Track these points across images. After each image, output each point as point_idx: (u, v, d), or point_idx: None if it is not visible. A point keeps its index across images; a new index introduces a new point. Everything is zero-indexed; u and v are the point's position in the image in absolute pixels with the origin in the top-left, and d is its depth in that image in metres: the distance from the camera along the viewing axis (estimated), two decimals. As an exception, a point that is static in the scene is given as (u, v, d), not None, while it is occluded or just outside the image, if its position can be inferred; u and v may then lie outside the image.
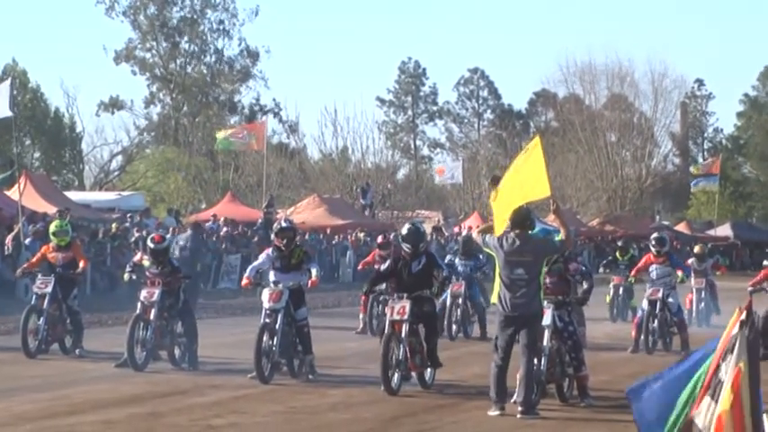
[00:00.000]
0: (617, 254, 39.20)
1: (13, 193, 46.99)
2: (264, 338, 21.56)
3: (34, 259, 27.23)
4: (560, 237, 19.58)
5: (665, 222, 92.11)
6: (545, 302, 19.53)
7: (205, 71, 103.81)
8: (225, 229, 53.96)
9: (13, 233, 41.72)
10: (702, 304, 35.21)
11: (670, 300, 28.46)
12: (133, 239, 37.19)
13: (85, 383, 21.63)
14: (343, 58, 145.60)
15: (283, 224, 23.37)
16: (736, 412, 10.24)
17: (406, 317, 20.44)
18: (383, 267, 22.57)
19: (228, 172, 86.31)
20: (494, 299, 19.29)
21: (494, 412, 18.12)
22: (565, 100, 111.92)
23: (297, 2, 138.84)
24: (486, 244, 19.06)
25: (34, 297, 25.93)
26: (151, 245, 24.74)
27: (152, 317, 23.27)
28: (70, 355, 25.68)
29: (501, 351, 18.29)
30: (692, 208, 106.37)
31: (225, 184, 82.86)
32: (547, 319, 19.39)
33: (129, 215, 50.38)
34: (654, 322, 28.23)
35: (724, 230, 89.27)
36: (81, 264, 26.64)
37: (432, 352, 20.92)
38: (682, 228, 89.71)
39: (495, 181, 19.54)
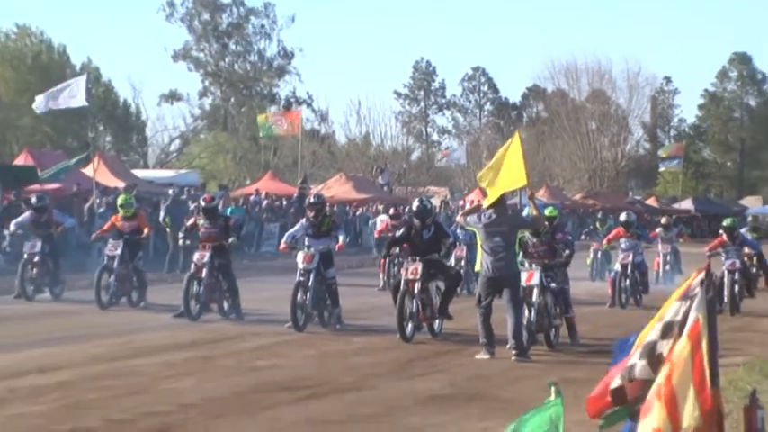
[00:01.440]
0: (596, 224, 39.62)
1: (88, 171, 47.02)
2: (299, 294, 21.80)
3: (105, 227, 27.32)
4: (533, 213, 20.60)
5: (637, 197, 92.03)
6: (533, 266, 20.12)
7: (249, 68, 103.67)
8: (266, 201, 53.89)
9: (88, 204, 41.76)
10: (668, 266, 35.42)
11: (639, 261, 29.01)
12: (190, 209, 37.10)
13: (148, 331, 21.69)
14: (366, 57, 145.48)
15: (313, 199, 23.76)
16: (697, 362, 10.23)
17: (418, 276, 20.54)
18: (398, 234, 22.53)
19: (269, 154, 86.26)
20: (477, 267, 19.76)
21: (483, 356, 18.41)
22: (552, 94, 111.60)
23: (328, 9, 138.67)
24: (468, 223, 19.78)
25: (106, 258, 26.08)
26: (203, 203, 25.09)
27: (203, 275, 23.39)
28: (136, 308, 25.79)
29: (484, 305, 18.82)
30: (659, 185, 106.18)
31: (266, 163, 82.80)
32: (535, 279, 19.77)
33: (185, 189, 50.37)
34: (625, 282, 28.64)
35: (686, 204, 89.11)
36: (145, 230, 26.77)
37: (444, 306, 21.03)
38: (651, 202, 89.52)
39: (512, 135, 20.43)
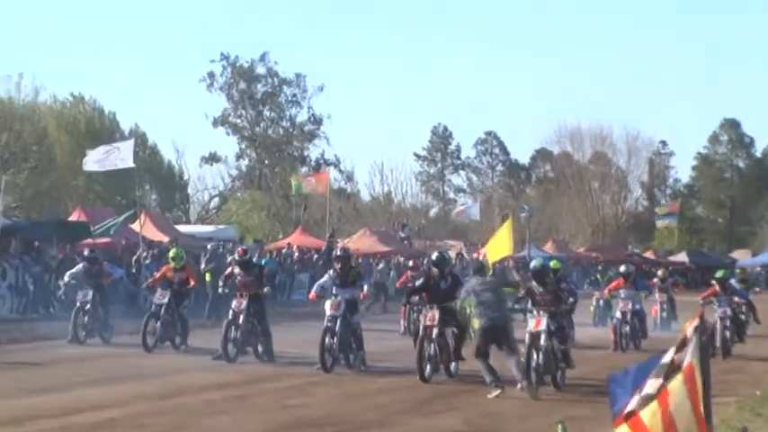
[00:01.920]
0: (598, 275, 39.76)
1: (135, 227, 47.19)
2: (327, 338, 21.87)
3: (157, 276, 27.46)
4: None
5: (636, 250, 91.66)
6: (541, 312, 19.96)
7: (282, 133, 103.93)
8: (297, 254, 53.98)
9: (135, 257, 41.89)
10: (665, 314, 35.44)
11: (637, 309, 29.06)
12: (228, 261, 37.18)
13: (190, 372, 21.69)
14: (388, 122, 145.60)
15: (339, 252, 23.86)
16: (694, 399, 10.19)
17: (436, 322, 20.58)
18: (417, 283, 22.70)
19: (300, 210, 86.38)
20: (474, 324, 20.12)
21: (494, 393, 18.56)
22: (558, 156, 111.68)
23: (354, 79, 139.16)
24: (464, 296, 20.39)
25: (153, 306, 26.15)
26: (237, 257, 25.46)
27: (240, 321, 23.46)
28: (178, 351, 25.79)
29: (482, 352, 19.41)
30: (656, 240, 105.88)
31: (297, 219, 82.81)
32: (542, 325, 19.72)
33: (222, 243, 50.46)
34: (626, 328, 28.62)
35: (681, 257, 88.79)
36: (192, 282, 26.95)
37: (458, 349, 20.95)
38: (649, 255, 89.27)
39: (505, 218, 20.99)
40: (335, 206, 79.43)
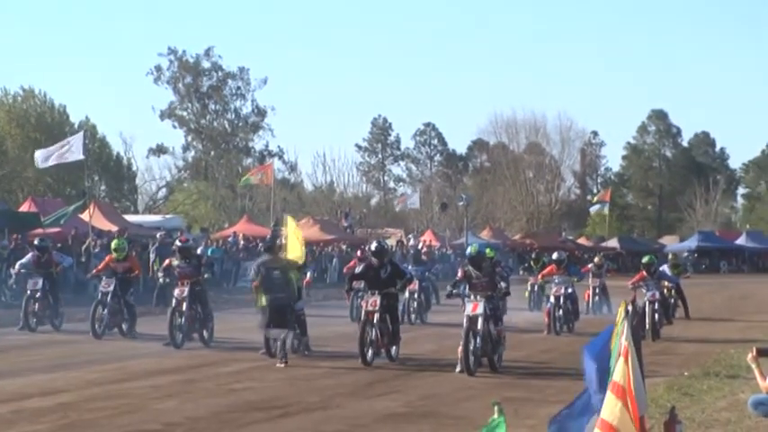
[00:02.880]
0: (532, 263, 39.99)
1: (85, 217, 46.87)
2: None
3: (101, 266, 27.18)
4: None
5: (570, 237, 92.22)
6: (478, 297, 19.89)
7: (227, 125, 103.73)
8: (242, 242, 53.81)
9: (84, 246, 41.60)
10: (597, 298, 35.65)
11: (569, 292, 29.01)
12: (172, 249, 36.99)
13: (138, 358, 21.56)
14: (330, 114, 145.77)
15: (273, 242, 24.25)
16: (626, 378, 10.25)
17: (377, 308, 20.63)
18: (357, 270, 22.52)
19: (245, 200, 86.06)
20: (262, 301, 21.35)
21: (278, 365, 19.99)
22: (494, 146, 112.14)
23: (296, 72, 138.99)
24: (254, 272, 22.05)
25: (100, 293, 25.95)
26: (179, 243, 25.41)
27: (184, 308, 23.40)
28: (126, 337, 25.64)
29: (267, 325, 21.06)
30: (589, 226, 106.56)
31: (242, 209, 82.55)
32: (480, 309, 19.63)
33: (171, 232, 50.21)
34: (559, 311, 28.61)
35: (613, 243, 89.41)
36: (136, 271, 26.77)
37: (395, 333, 21.09)
38: (582, 241, 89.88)
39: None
40: (279, 196, 79.16)
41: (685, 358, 22.38)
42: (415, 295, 31.40)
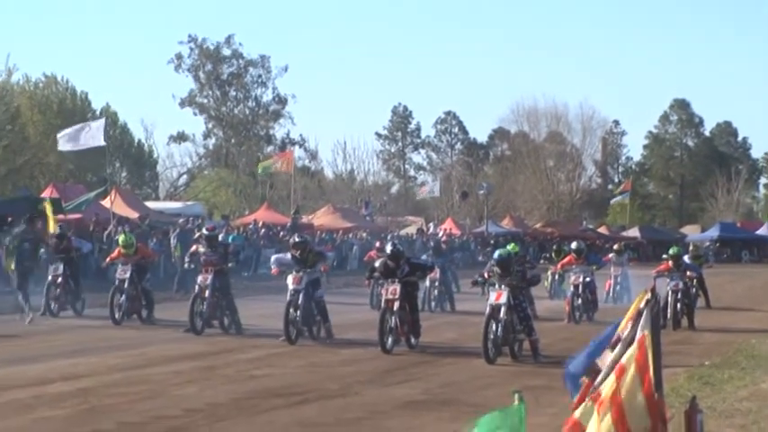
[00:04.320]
0: (553, 254, 39.90)
1: (106, 203, 47.00)
2: (290, 311, 21.80)
3: (114, 254, 27.23)
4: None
5: (590, 226, 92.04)
6: (502, 286, 19.74)
7: (248, 112, 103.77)
8: (263, 230, 53.86)
9: (106, 232, 41.70)
10: (618, 287, 35.59)
11: (588, 281, 29.00)
12: (195, 237, 37.00)
13: (159, 344, 21.62)
14: (350, 102, 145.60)
15: (297, 239, 23.51)
16: (641, 366, 10.22)
17: (397, 296, 20.65)
18: (377, 264, 22.27)
19: (266, 187, 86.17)
20: (11, 266, 24.93)
21: (26, 320, 22.62)
22: (515, 135, 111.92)
23: (317, 60, 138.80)
24: (9, 240, 24.85)
25: (117, 280, 26.03)
26: (205, 232, 25.24)
27: (206, 295, 23.39)
28: (145, 323, 25.71)
29: (21, 287, 24.37)
30: (610, 215, 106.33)
31: (263, 196, 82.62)
32: (503, 298, 19.50)
33: (191, 218, 50.25)
34: (578, 300, 28.67)
35: (633, 232, 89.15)
36: (150, 257, 27.07)
37: (415, 321, 21.14)
38: (602, 230, 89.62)
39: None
40: (300, 184, 79.28)
41: (706, 348, 22.32)
42: (436, 283, 31.48)
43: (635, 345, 10.35)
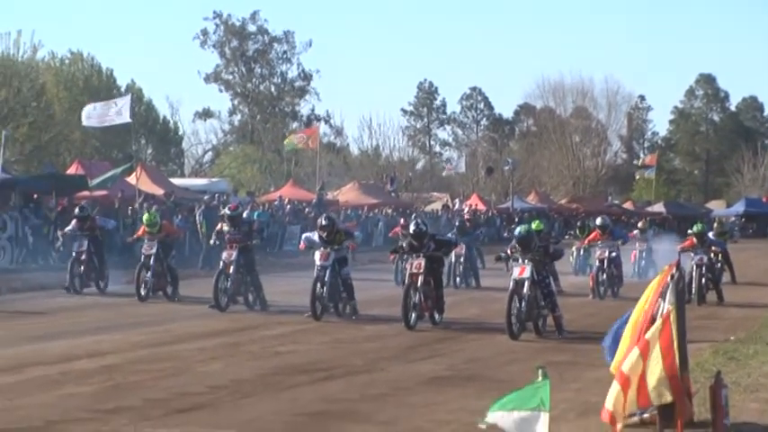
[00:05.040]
0: (577, 230, 39.76)
1: (131, 180, 47.12)
2: (317, 287, 21.75)
3: (140, 231, 27.29)
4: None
5: (615, 202, 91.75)
6: (525, 261, 19.57)
7: (273, 89, 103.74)
8: (288, 206, 53.88)
9: (131, 208, 41.80)
10: (643, 262, 35.50)
11: (614, 256, 28.85)
12: (220, 214, 37.01)
13: (183, 320, 21.70)
14: (376, 78, 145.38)
15: (324, 222, 22.84)
16: (665, 341, 10.18)
17: (421, 270, 20.51)
18: (403, 244, 22.20)
19: (291, 164, 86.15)
20: None
21: None
22: (541, 110, 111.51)
23: (341, 36, 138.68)
24: None
25: (143, 257, 26.08)
26: (228, 212, 24.93)
27: (231, 271, 23.35)
28: (171, 300, 25.76)
29: None
30: (635, 191, 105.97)
31: (288, 173, 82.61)
32: (527, 273, 19.38)
33: (217, 195, 50.32)
34: (603, 276, 28.57)
35: (659, 208, 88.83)
36: (175, 234, 27.13)
37: (439, 297, 21.01)
38: (628, 206, 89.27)
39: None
40: (325, 160, 79.24)
41: (731, 323, 22.25)
42: (461, 259, 31.44)
43: (659, 320, 10.33)
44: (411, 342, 18.54)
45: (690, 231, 29.68)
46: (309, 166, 79.00)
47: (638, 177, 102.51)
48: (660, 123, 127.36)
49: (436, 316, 20.96)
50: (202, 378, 14.33)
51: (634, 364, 10.15)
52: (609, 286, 28.65)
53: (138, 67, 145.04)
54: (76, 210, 29.53)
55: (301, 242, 23.74)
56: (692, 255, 27.44)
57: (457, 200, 77.16)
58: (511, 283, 19.53)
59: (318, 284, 21.81)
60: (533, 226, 27.49)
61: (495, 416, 9.08)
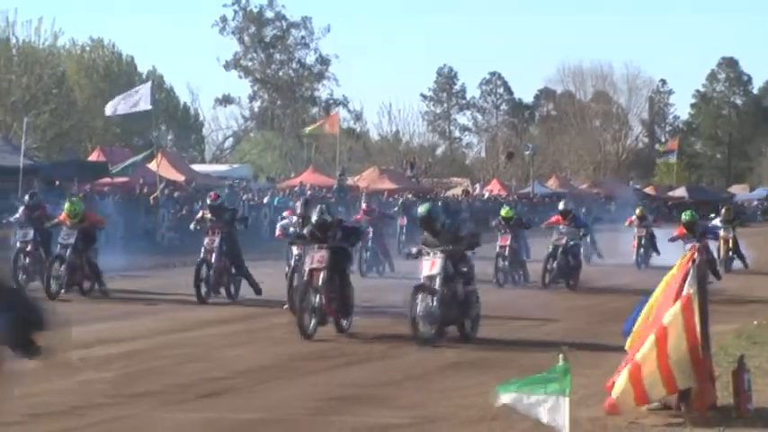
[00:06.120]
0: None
1: (152, 166, 47.23)
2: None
3: (61, 217, 23.92)
4: None
5: (637, 186, 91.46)
6: (436, 254, 16.76)
7: (292, 74, 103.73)
8: (309, 192, 53.90)
9: (154, 195, 41.88)
10: (642, 250, 33.93)
11: (572, 245, 26.69)
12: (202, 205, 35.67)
13: (178, 312, 21.58)
14: (396, 63, 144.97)
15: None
16: (689, 325, 10.15)
17: (324, 264, 17.15)
18: (304, 231, 19.03)
19: (311, 150, 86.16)
20: None
21: None
22: (561, 95, 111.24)
23: (359, 21, 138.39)
24: None
25: (59, 246, 23.46)
26: (209, 201, 23.75)
27: (213, 259, 22.05)
28: (88, 296, 23.22)
29: None
30: (657, 175, 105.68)
31: (308, 158, 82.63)
32: (437, 268, 16.57)
33: (237, 181, 50.46)
34: (553, 263, 26.45)
35: (680, 192, 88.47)
36: (100, 224, 24.93)
37: (346, 297, 17.62)
38: (650, 190, 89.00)
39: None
40: (345, 145, 79.20)
41: (754, 308, 22.16)
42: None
43: (678, 304, 10.27)
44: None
45: (682, 222, 27.76)
46: (329, 151, 78.99)
47: (659, 162, 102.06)
48: (682, 107, 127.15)
49: (344, 322, 17.42)
50: (221, 364, 14.35)
51: (647, 352, 10.13)
52: (561, 277, 26.50)
53: (158, 54, 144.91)
54: (26, 197, 27.16)
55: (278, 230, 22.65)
56: (684, 245, 25.47)
57: (477, 185, 77.10)
58: (421, 281, 16.82)
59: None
60: (502, 213, 27.02)
61: (511, 397, 9.05)
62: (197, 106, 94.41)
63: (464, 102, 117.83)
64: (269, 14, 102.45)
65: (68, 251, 22.94)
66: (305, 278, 17.36)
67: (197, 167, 61.88)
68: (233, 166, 68.68)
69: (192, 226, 23.90)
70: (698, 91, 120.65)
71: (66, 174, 40.74)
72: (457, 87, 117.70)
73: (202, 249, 22.38)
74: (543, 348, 15.03)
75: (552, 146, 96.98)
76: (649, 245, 34.20)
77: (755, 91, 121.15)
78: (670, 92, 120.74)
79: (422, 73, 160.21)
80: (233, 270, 22.64)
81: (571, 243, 26.69)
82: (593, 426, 10.42)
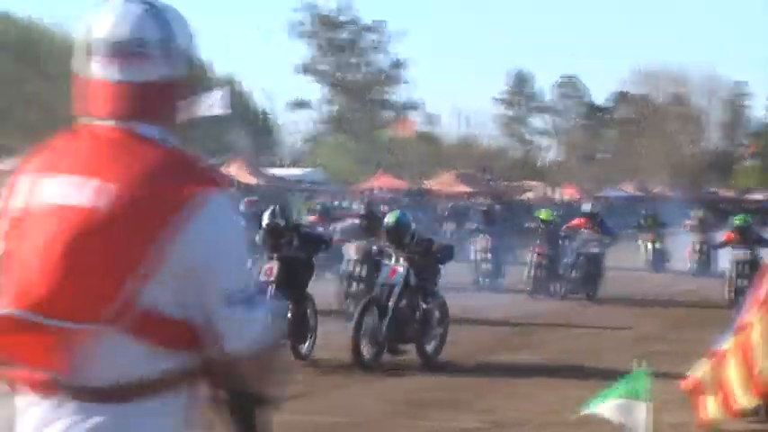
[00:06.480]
0: (641, 220, 36.70)
1: (226, 170, 47.61)
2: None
3: None
4: None
5: (712, 189, 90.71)
6: (400, 260, 15.04)
7: (365, 78, 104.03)
8: (387, 196, 54.11)
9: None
10: (696, 256, 32.40)
11: (595, 252, 25.24)
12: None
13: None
14: (471, 66, 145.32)
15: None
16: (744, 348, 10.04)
17: (272, 277, 14.48)
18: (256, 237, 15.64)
19: (384, 153, 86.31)
20: None
21: None
22: (638, 98, 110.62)
23: (435, 24, 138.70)
24: None
25: None
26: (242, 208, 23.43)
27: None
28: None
29: None
30: (735, 178, 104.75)
31: (382, 162, 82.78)
32: (397, 277, 14.78)
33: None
34: (572, 272, 25.03)
35: (760, 195, 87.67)
36: None
37: (303, 315, 14.77)
38: (728, 193, 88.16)
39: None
40: (418, 149, 79.27)
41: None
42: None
43: (759, 310, 10.11)
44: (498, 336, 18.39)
45: (734, 227, 25.43)
46: (403, 155, 79.07)
47: (741, 165, 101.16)
48: (760, 109, 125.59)
49: (302, 347, 14.69)
50: (292, 366, 14.18)
51: (732, 361, 10.04)
52: (582, 287, 25.05)
53: (234, 59, 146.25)
54: None
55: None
56: (732, 251, 24.24)
57: (557, 189, 76.93)
58: (376, 290, 15.15)
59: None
60: (542, 215, 25.75)
61: (592, 403, 9.07)
62: (272, 110, 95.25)
63: (539, 104, 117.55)
64: (342, 18, 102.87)
65: None
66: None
67: (273, 171, 62.27)
68: (307, 170, 69.01)
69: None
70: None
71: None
72: (532, 90, 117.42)
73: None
74: (617, 355, 14.99)
75: (628, 149, 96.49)
76: (709, 253, 31.81)
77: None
78: (748, 94, 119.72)
79: (496, 75, 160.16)
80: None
81: (595, 251, 25.24)
82: (676, 431, 10.41)
